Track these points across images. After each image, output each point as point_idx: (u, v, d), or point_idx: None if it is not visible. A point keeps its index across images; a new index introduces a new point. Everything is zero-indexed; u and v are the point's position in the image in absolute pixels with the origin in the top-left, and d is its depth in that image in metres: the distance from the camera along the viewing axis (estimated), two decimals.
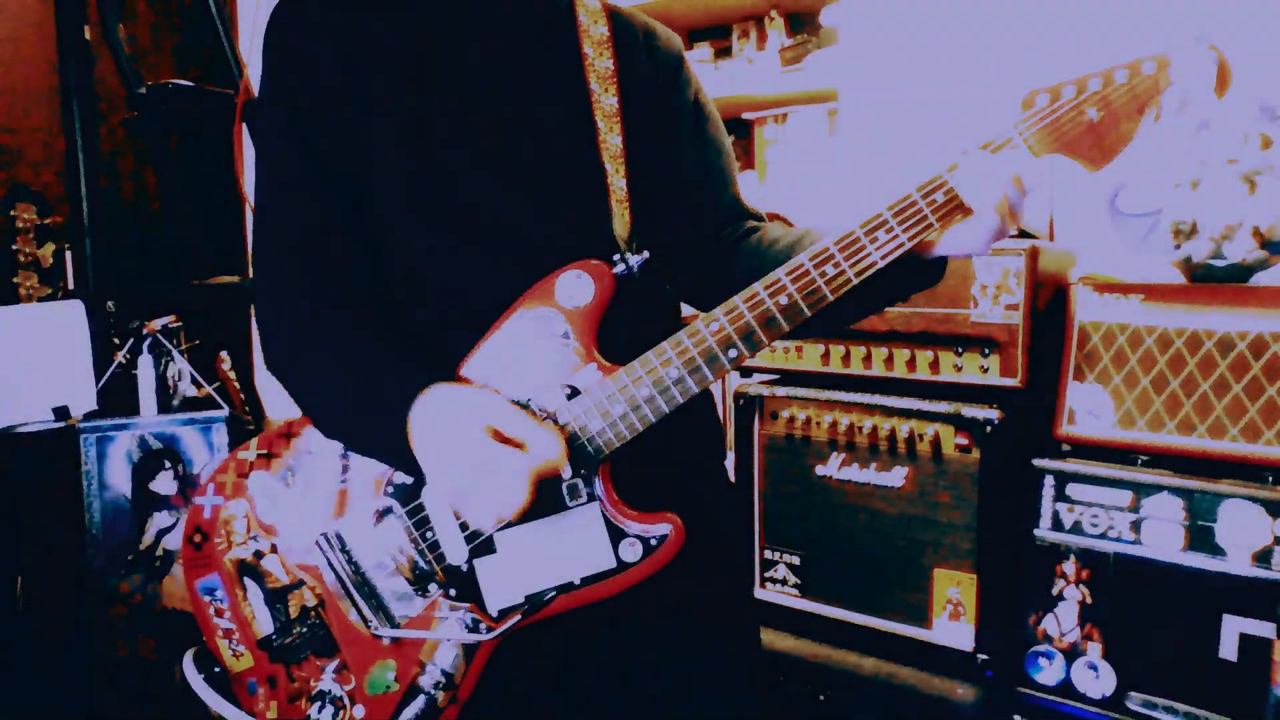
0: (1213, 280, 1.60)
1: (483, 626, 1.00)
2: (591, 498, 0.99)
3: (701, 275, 1.18)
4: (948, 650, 1.70)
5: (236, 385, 2.38)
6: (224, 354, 2.39)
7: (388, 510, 1.02)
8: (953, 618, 1.70)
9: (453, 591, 1.01)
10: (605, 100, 1.11)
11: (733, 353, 0.97)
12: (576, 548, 0.99)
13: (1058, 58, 1.99)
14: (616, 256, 1.03)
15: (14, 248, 2.29)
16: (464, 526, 1.01)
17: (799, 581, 1.88)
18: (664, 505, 1.00)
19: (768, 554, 1.92)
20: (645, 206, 1.11)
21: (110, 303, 2.27)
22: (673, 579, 1.00)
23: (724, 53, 2.81)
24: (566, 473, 0.95)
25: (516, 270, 1.02)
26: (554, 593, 0.99)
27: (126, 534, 2.04)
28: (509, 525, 0.98)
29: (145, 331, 2.14)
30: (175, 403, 2.18)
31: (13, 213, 2.28)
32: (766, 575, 1.92)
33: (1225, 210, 1.58)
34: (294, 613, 1.04)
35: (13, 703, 2.07)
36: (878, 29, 2.30)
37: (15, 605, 2.08)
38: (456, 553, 1.00)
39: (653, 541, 0.98)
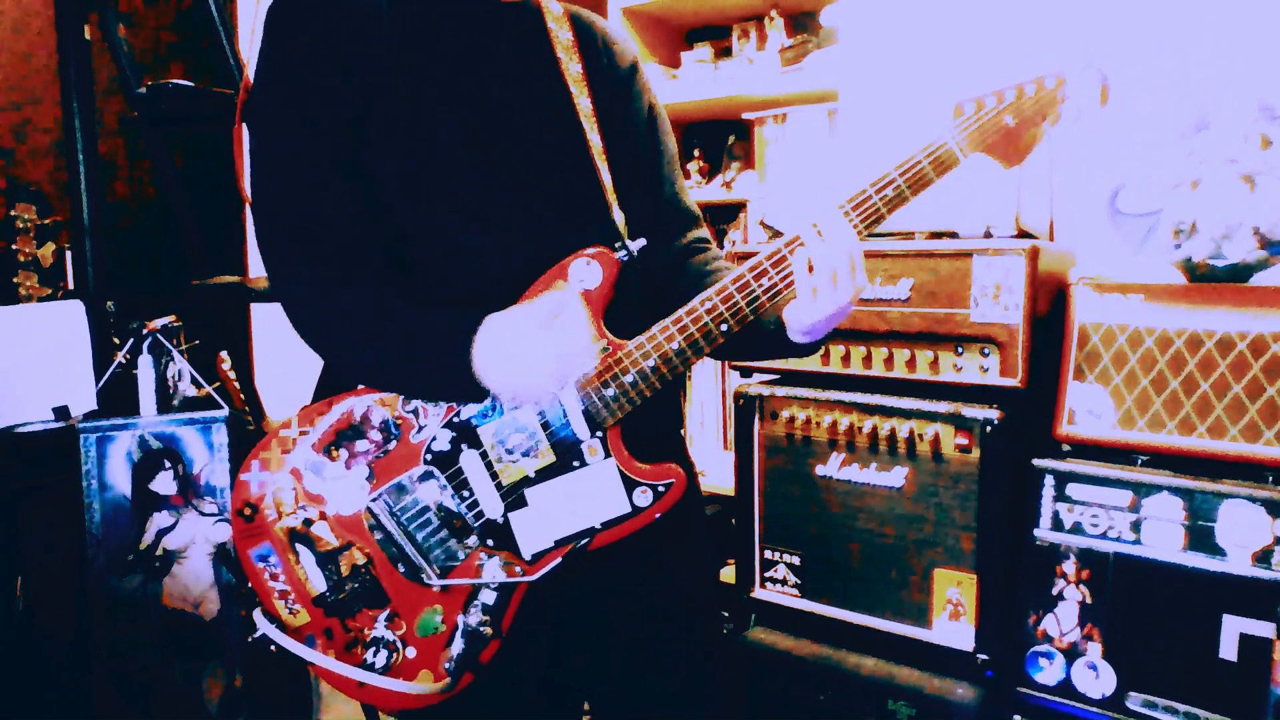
0: (1213, 280, 1.60)
1: (518, 569, 1.12)
2: (607, 454, 1.12)
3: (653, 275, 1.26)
4: (948, 650, 1.70)
5: (236, 385, 2.38)
6: (224, 354, 2.39)
7: (428, 475, 1.11)
8: (953, 618, 1.70)
9: (490, 542, 1.12)
10: (581, 101, 1.20)
11: (723, 327, 1.10)
12: (596, 497, 1.12)
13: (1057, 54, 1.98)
14: (618, 244, 1.13)
15: (14, 248, 2.29)
16: (499, 485, 1.11)
17: (799, 581, 1.88)
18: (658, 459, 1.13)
19: (768, 554, 1.92)
20: (625, 200, 1.21)
21: (110, 303, 2.27)
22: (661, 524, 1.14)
23: (724, 53, 2.81)
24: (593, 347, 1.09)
25: (522, 258, 1.11)
26: (586, 537, 1.12)
27: (126, 534, 2.03)
28: (539, 481, 1.11)
29: (145, 331, 2.13)
30: (175, 403, 2.18)
31: (13, 213, 2.28)
32: (766, 575, 1.92)
33: (1225, 210, 1.58)
34: (345, 571, 1.13)
35: (13, 703, 2.07)
36: (878, 29, 2.30)
37: (15, 605, 2.08)
38: (494, 508, 1.12)
39: (661, 488, 1.12)
